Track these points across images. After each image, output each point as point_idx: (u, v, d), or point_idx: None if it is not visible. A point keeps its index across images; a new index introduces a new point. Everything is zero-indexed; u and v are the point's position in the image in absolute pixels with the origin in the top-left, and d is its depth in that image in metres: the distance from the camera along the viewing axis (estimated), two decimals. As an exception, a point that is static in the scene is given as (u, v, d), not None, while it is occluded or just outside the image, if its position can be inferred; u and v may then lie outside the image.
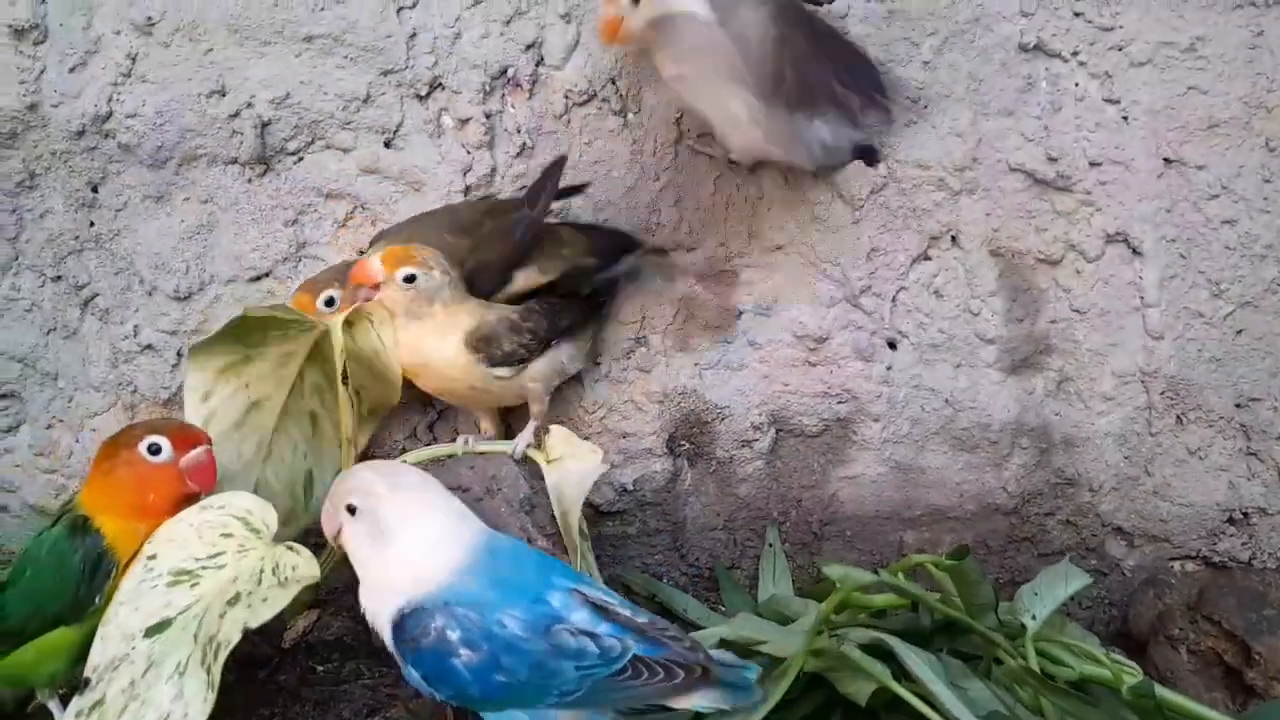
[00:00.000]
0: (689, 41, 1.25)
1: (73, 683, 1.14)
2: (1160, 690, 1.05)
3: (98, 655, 1.09)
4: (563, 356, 1.44)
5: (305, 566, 1.11)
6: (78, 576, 1.13)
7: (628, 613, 1.03)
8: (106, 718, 1.03)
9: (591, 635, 0.98)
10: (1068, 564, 1.18)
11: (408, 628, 1.01)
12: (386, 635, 1.05)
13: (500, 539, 1.10)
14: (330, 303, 1.38)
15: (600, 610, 1.02)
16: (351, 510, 1.08)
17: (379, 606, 1.06)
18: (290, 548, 1.15)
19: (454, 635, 0.98)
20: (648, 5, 1.27)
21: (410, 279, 1.29)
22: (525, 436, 1.41)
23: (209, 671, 1.02)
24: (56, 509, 1.33)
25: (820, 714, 1.09)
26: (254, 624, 1.04)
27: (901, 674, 1.02)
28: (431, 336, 1.33)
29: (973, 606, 1.08)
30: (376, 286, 1.30)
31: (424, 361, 1.35)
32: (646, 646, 0.99)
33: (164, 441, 1.18)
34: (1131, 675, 1.10)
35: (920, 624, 1.16)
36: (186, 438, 1.20)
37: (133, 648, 1.08)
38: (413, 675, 1.03)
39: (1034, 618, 1.09)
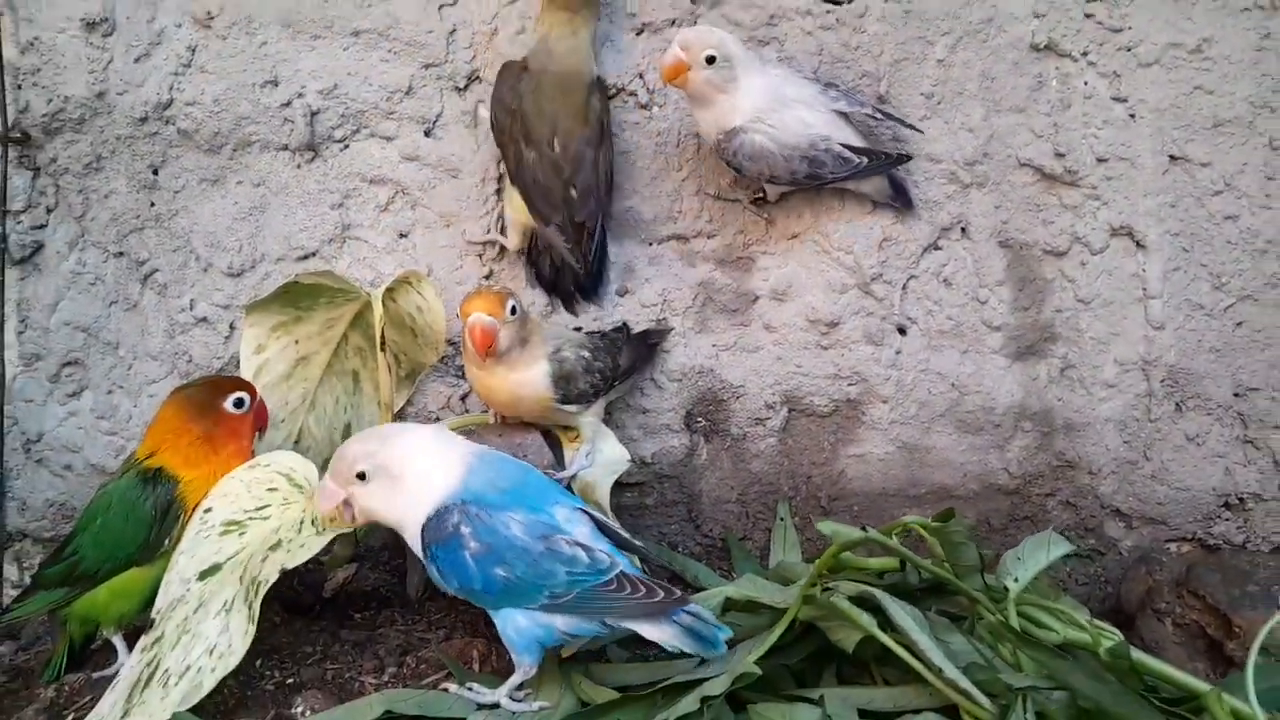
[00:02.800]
0: (746, 151, 1.46)
1: (138, 625, 1.26)
2: (1136, 654, 1.11)
3: (161, 599, 1.21)
4: (613, 396, 1.55)
5: (342, 518, 1.22)
6: (150, 521, 1.26)
7: (626, 535, 1.14)
8: (164, 650, 1.15)
9: (586, 548, 1.09)
10: (1051, 532, 1.23)
11: (431, 528, 1.12)
12: (418, 546, 1.14)
13: (489, 453, 1.18)
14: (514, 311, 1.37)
15: (602, 529, 1.13)
16: (362, 476, 1.13)
17: (415, 531, 1.14)
18: (330, 501, 1.25)
19: (466, 530, 1.10)
20: (716, 73, 1.41)
21: (513, 310, 1.33)
22: (580, 461, 1.46)
23: (250, 606, 1.13)
24: (118, 468, 1.44)
25: (814, 661, 1.17)
26: (290, 565, 1.16)
27: (888, 625, 1.09)
28: (519, 371, 1.38)
29: (959, 568, 1.15)
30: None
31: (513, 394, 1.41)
32: (635, 568, 1.10)
33: (245, 396, 1.34)
34: (1111, 640, 1.15)
35: (909, 583, 1.23)
36: (252, 388, 1.37)
37: (188, 589, 1.20)
38: (433, 570, 1.13)
39: (1016, 580, 1.16)
